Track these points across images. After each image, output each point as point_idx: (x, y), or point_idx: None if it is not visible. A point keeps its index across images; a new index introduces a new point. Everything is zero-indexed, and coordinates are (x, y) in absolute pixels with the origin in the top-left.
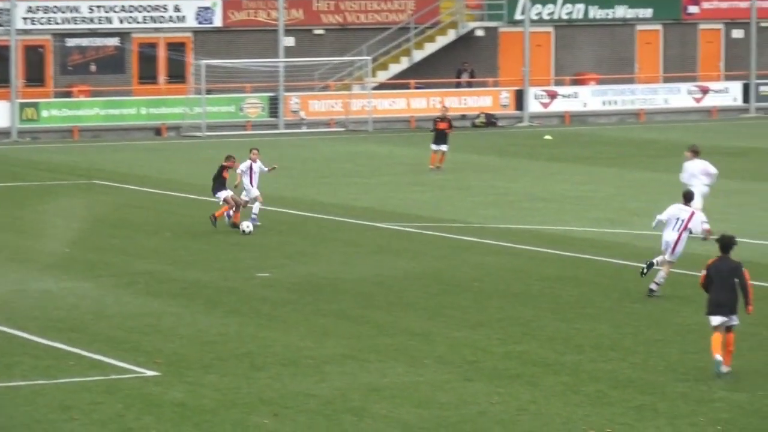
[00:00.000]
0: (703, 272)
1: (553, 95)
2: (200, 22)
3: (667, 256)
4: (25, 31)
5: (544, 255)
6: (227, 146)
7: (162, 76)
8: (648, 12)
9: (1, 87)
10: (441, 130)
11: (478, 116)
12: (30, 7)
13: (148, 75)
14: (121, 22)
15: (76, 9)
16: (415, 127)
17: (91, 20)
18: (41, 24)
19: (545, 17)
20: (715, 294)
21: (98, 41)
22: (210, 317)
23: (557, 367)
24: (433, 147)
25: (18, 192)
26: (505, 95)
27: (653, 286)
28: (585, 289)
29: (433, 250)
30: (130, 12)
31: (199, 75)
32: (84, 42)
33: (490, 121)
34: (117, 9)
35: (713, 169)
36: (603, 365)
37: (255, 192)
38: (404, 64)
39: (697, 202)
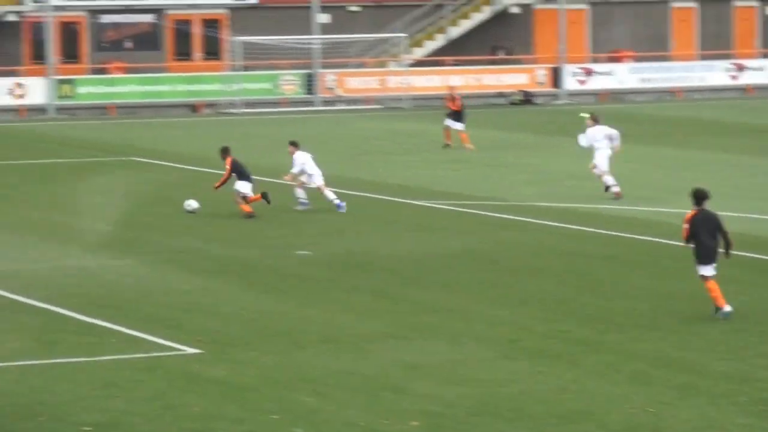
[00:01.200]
0: (686, 226)
1: (589, 72)
2: None
3: None
4: (60, 8)
5: (583, 233)
6: (263, 123)
7: (197, 53)
8: None
9: (37, 64)
10: (454, 110)
11: (515, 94)
12: None
13: (183, 52)
14: None
15: None
16: None
17: None
18: (76, 0)
19: None
20: (707, 244)
21: (133, 18)
22: (250, 295)
23: (598, 346)
24: (449, 124)
25: (56, 169)
26: (542, 72)
27: None
28: (623, 268)
29: (470, 227)
30: None
31: (234, 52)
32: (119, 18)
33: (527, 98)
34: None
35: (615, 132)
36: (643, 344)
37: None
38: (439, 41)
39: (604, 165)
